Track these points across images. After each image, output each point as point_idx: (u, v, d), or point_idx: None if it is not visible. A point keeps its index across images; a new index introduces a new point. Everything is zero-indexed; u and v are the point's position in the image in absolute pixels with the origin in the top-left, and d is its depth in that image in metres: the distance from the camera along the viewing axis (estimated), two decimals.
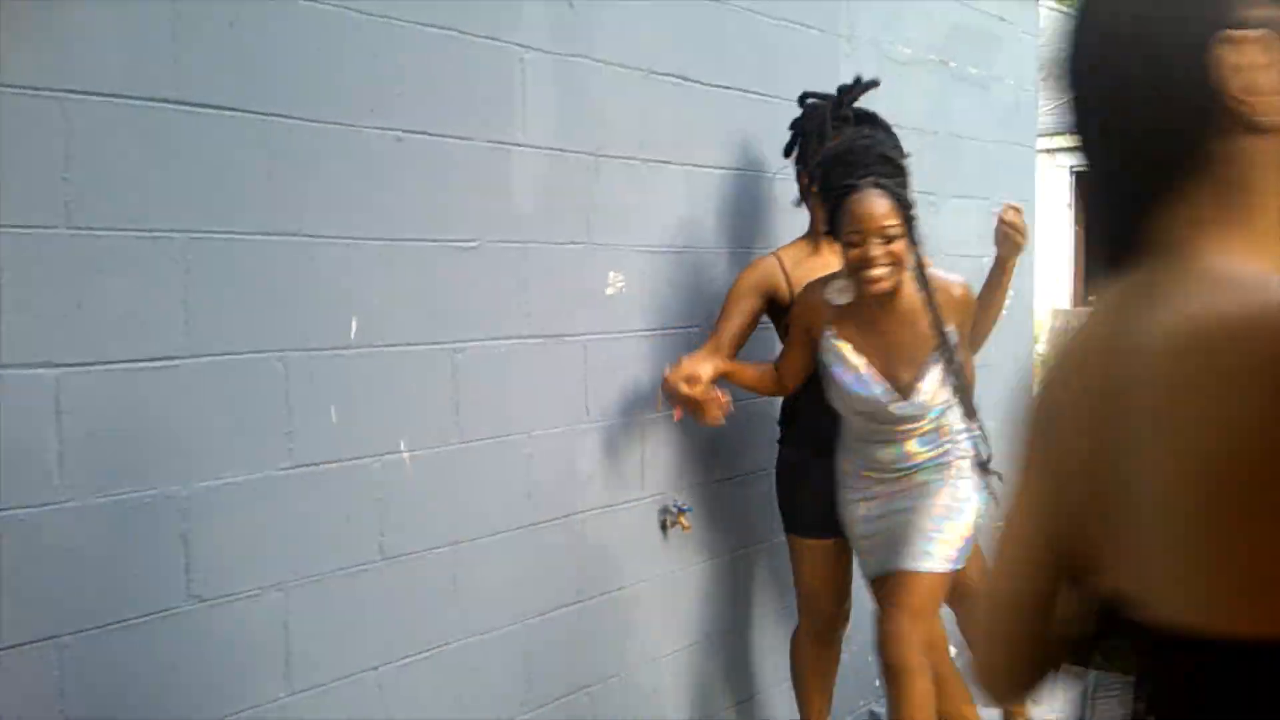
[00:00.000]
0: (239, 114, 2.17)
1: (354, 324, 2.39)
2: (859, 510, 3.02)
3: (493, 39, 2.60)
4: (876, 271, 2.74)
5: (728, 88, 3.27)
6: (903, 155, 2.87)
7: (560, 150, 2.78)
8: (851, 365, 2.87)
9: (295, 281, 2.29)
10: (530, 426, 2.75)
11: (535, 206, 2.73)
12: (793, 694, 3.33)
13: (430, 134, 2.49)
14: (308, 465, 2.33)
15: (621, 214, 2.98)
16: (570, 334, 2.85)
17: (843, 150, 2.79)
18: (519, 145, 2.68)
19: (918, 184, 4.06)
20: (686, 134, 3.17)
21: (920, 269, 2.83)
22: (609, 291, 2.94)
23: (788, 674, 3.35)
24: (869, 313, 2.86)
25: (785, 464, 3.25)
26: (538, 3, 2.73)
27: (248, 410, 2.23)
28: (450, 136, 2.52)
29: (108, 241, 2.00)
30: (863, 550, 3.08)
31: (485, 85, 2.60)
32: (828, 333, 2.89)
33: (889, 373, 2.86)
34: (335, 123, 2.33)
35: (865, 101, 3.22)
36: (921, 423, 2.89)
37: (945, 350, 2.82)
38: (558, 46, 2.78)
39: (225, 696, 2.22)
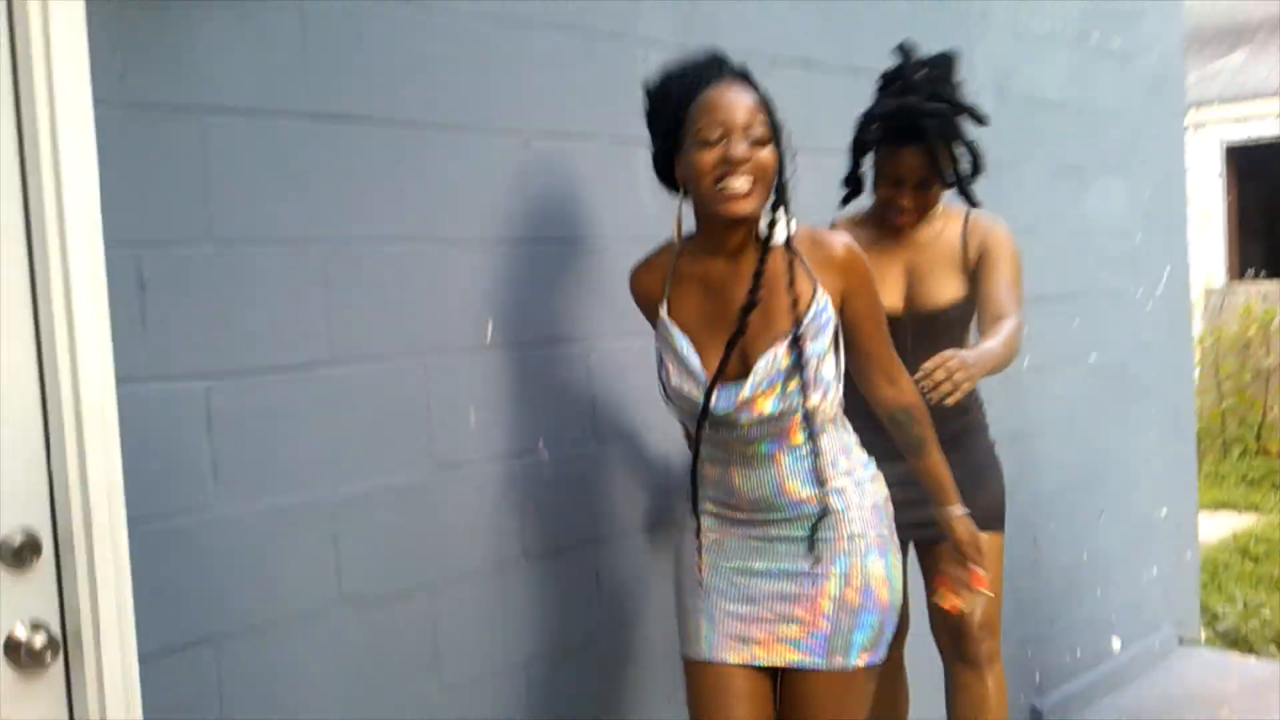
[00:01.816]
0: (370, 122, 2.21)
1: (490, 326, 2.40)
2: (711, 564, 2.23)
3: (614, 35, 2.59)
4: (738, 183, 1.98)
5: (856, 68, 3.20)
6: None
7: None
8: (676, 351, 2.13)
9: (431, 285, 2.31)
10: (666, 426, 2.73)
11: (663, 204, 2.70)
12: None
13: (557, 133, 2.49)
14: (449, 465, 2.36)
15: None
16: None
17: None
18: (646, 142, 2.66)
19: (1064, 160, 3.97)
20: (813, 120, 3.10)
21: (789, 216, 2.10)
22: None
23: None
24: (712, 268, 2.12)
25: None
26: None
27: (390, 413, 2.26)
28: (576, 135, 2.52)
29: (249, 254, 2.05)
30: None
31: (610, 81, 2.59)
32: (661, 314, 2.17)
33: (712, 354, 2.10)
34: (464, 127, 2.35)
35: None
36: (766, 428, 2.09)
37: (796, 337, 2.04)
38: (681, 38, 2.75)
39: (378, 695, 2.26)
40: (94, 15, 1.81)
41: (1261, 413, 8.74)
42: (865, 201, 2.78)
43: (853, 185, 2.70)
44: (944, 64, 2.60)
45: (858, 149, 2.65)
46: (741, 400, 2.06)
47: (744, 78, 2.09)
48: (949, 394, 2.28)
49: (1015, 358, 2.61)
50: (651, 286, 2.19)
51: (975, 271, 2.67)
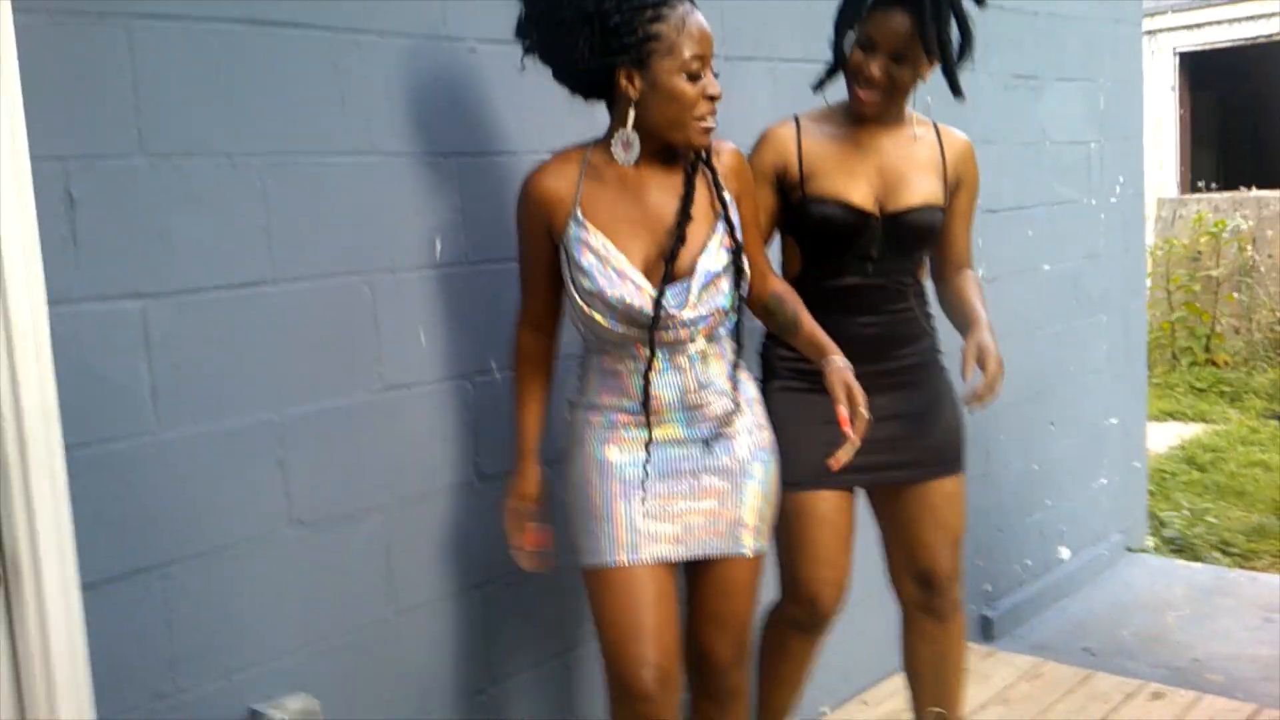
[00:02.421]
0: (307, 30, 2.11)
1: (438, 243, 2.34)
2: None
3: None
4: (712, 122, 2.06)
5: None
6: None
7: None
8: (602, 256, 2.08)
9: (376, 201, 2.24)
10: None
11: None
12: None
13: (501, 42, 2.40)
14: (400, 387, 2.31)
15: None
16: None
17: None
18: None
19: (1019, 67, 3.92)
20: (770, 26, 3.04)
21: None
22: None
23: None
24: (631, 178, 2.12)
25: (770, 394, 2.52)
26: None
27: (336, 334, 2.21)
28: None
29: (184, 168, 1.97)
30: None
31: None
32: (575, 217, 2.10)
33: (651, 258, 2.10)
34: (408, 34, 2.26)
35: None
36: (702, 325, 2.13)
37: (730, 226, 2.14)
38: None
39: (330, 619, 2.24)
40: None
41: (1210, 324, 8.84)
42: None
43: (835, 56, 2.47)
44: None
45: (842, 17, 2.43)
46: (689, 299, 2.09)
47: (694, 4, 2.07)
48: (990, 400, 2.37)
49: None
50: (560, 191, 2.10)
51: (952, 194, 2.54)
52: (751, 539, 2.25)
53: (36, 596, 1.82)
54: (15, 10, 1.71)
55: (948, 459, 2.61)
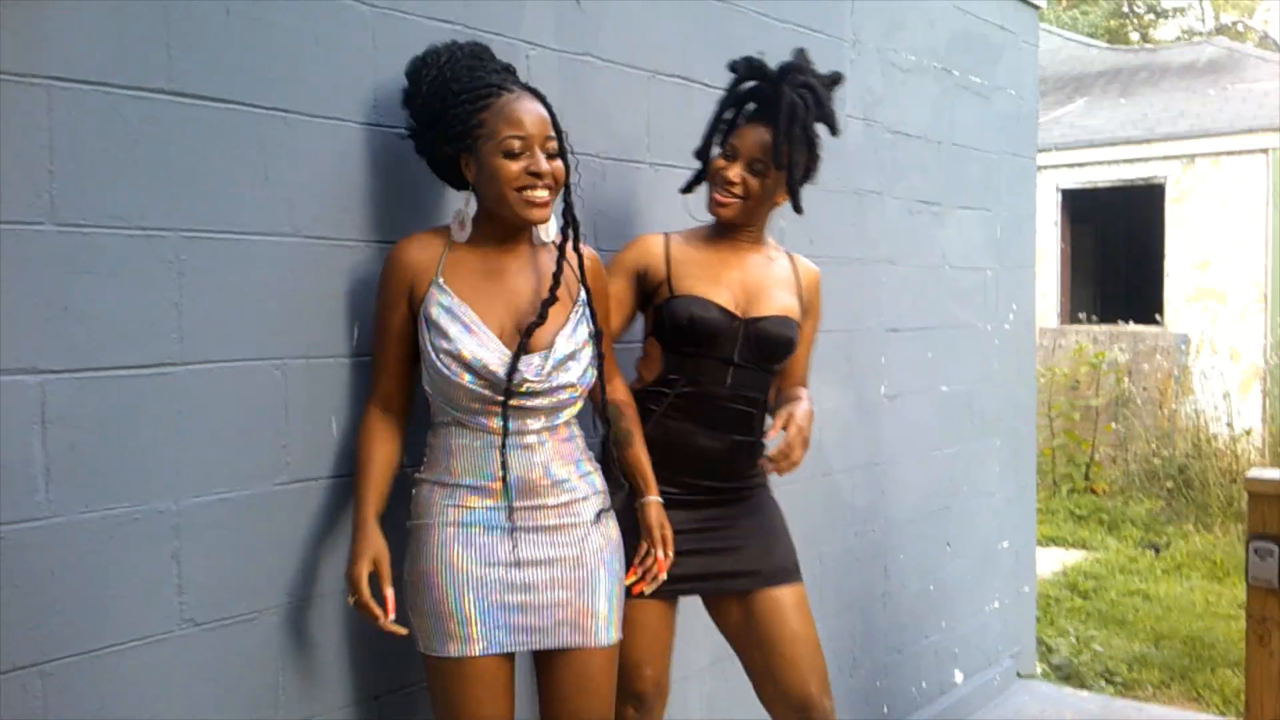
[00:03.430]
0: (234, 107, 2.06)
1: (355, 330, 2.27)
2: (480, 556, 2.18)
3: (499, 34, 2.50)
4: (541, 194, 2.12)
5: None
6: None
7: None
8: (461, 319, 2.13)
9: (295, 285, 2.17)
10: None
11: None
12: None
13: None
14: (306, 480, 2.21)
15: (626, 217, 2.88)
16: None
17: None
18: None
19: (923, 193, 4.04)
20: (692, 136, 3.07)
21: (574, 216, 2.23)
22: None
23: None
24: (491, 257, 2.21)
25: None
26: (545, 1, 2.63)
27: (243, 421, 2.11)
28: None
29: (96, 240, 1.88)
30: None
31: None
32: (437, 283, 2.15)
33: (506, 329, 2.17)
34: (334, 118, 2.22)
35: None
36: (554, 402, 2.18)
37: (590, 314, 2.24)
38: (563, 44, 2.68)
39: None
40: None
41: (1090, 451, 9.10)
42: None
43: (703, 156, 2.58)
44: (829, 77, 2.58)
45: (713, 125, 2.57)
46: (546, 370, 2.15)
47: (539, 95, 2.19)
48: (785, 469, 2.44)
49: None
50: (422, 261, 2.17)
51: (801, 319, 2.65)
52: (604, 630, 2.24)
53: None
54: None
55: (787, 568, 2.62)
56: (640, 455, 2.44)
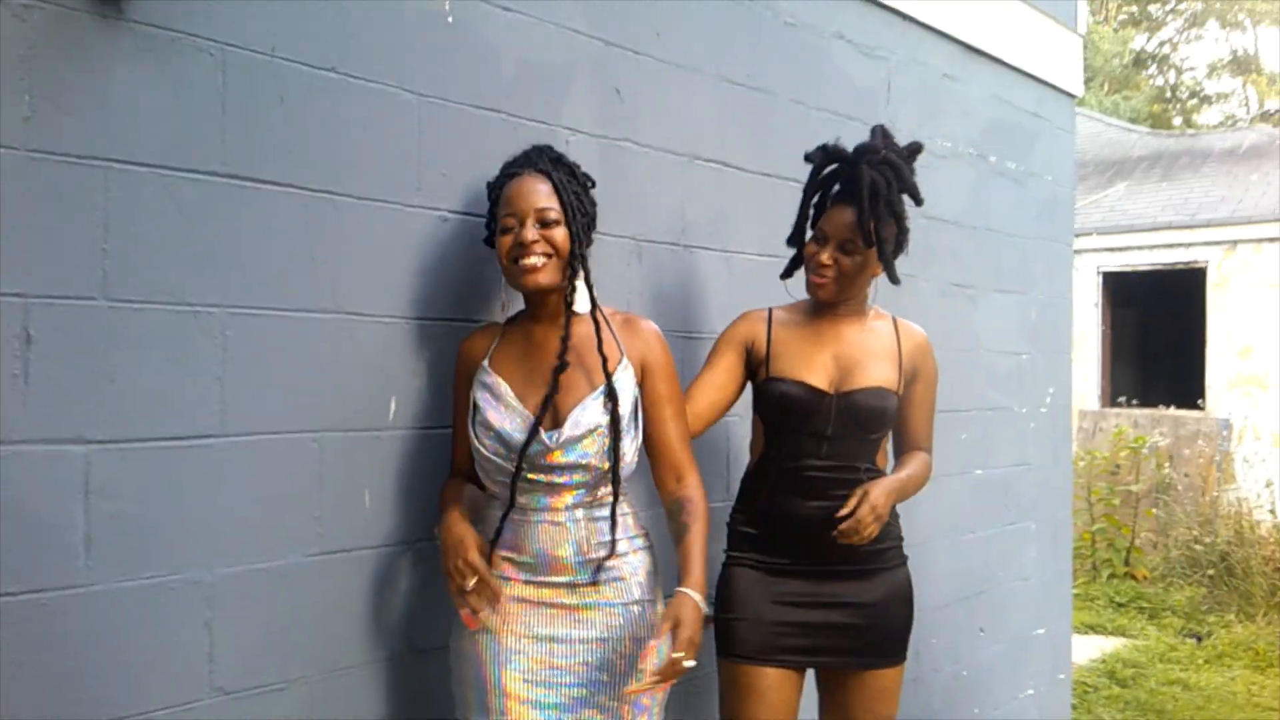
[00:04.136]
0: (285, 189, 2.13)
1: (393, 405, 2.32)
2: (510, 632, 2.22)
3: (541, 121, 2.57)
4: (530, 260, 2.19)
5: (768, 175, 3.24)
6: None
7: (601, 234, 2.72)
8: (495, 393, 2.24)
9: (334, 361, 2.23)
10: None
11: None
12: None
13: (473, 215, 2.44)
14: (338, 551, 2.25)
15: (661, 298, 2.93)
16: None
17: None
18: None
19: (958, 277, 4.07)
20: (727, 219, 3.13)
21: (589, 287, 2.28)
22: None
23: None
24: (532, 335, 2.30)
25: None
26: (585, 89, 2.71)
27: (278, 492, 2.16)
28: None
29: (145, 315, 1.95)
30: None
31: None
32: (482, 366, 2.28)
33: (530, 406, 2.22)
34: (380, 200, 2.29)
35: None
36: (577, 479, 2.21)
37: (610, 389, 2.22)
38: (603, 130, 2.75)
39: None
40: (4, 55, 1.72)
41: (1130, 537, 8.98)
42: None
43: (796, 243, 2.70)
44: (909, 148, 2.67)
45: (804, 204, 2.68)
46: (560, 440, 2.18)
47: (545, 171, 2.26)
48: (855, 540, 2.47)
49: (923, 488, 2.74)
50: (477, 348, 2.31)
51: (907, 385, 2.71)
52: (641, 717, 2.25)
53: None
54: None
55: (889, 651, 2.69)
56: (690, 547, 2.28)
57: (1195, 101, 26.94)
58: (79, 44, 1.85)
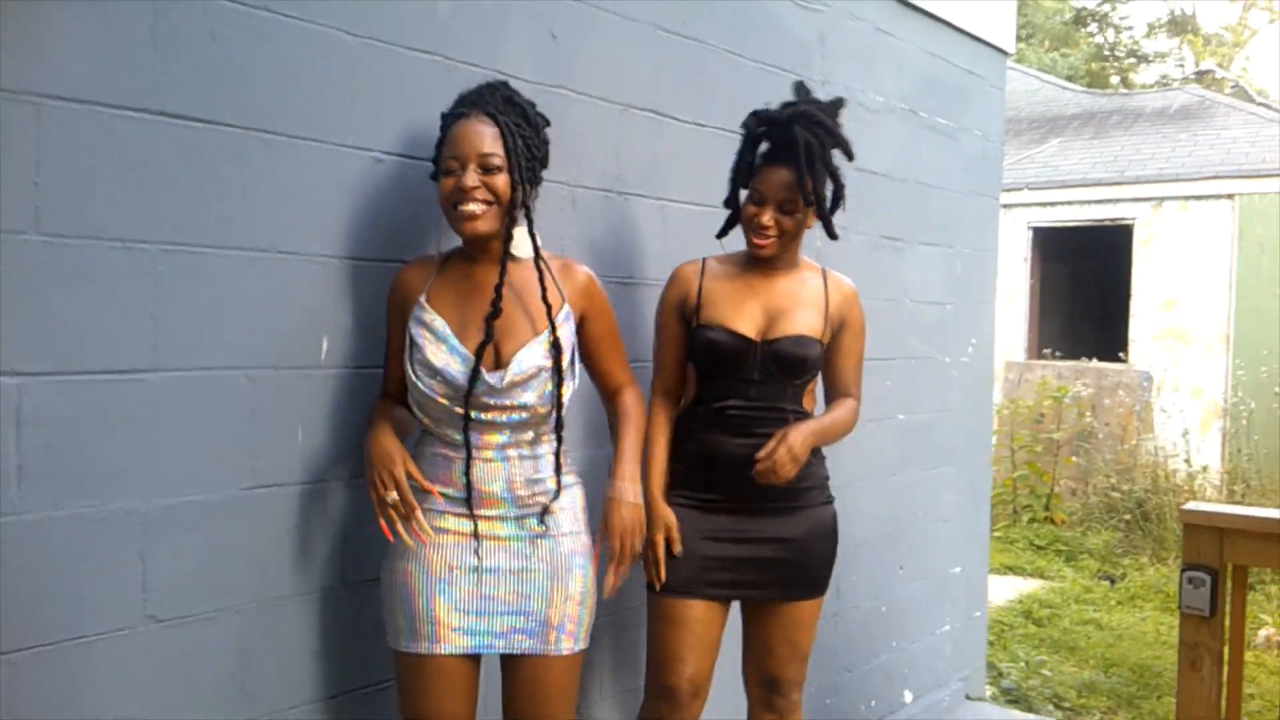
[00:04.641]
0: (217, 127, 2.15)
1: (324, 343, 2.36)
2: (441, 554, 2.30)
3: (476, 65, 2.60)
4: (469, 207, 2.23)
5: (702, 125, 3.29)
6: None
7: None
8: (435, 332, 2.27)
9: (267, 298, 2.26)
10: None
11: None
12: None
13: (409, 156, 2.48)
14: (271, 485, 2.30)
15: (594, 245, 2.98)
16: None
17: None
18: None
19: (887, 229, 4.16)
20: (661, 167, 3.18)
21: (532, 235, 2.32)
22: None
23: None
24: (469, 275, 2.34)
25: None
26: (521, 33, 2.74)
27: (212, 426, 2.20)
28: (425, 159, 2.50)
29: (78, 250, 1.97)
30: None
31: None
32: (419, 302, 2.31)
33: (471, 340, 2.27)
34: (314, 140, 2.31)
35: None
36: (517, 419, 2.28)
37: (554, 333, 2.29)
38: (539, 76, 2.79)
39: None
40: None
41: (1050, 483, 9.24)
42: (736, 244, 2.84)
43: (731, 208, 2.78)
44: (833, 104, 2.74)
45: (738, 169, 2.73)
46: (505, 384, 2.25)
47: (493, 114, 2.28)
48: (773, 479, 2.59)
49: (848, 434, 2.83)
50: (413, 282, 2.34)
51: (834, 336, 2.80)
52: (566, 641, 2.35)
53: None
54: None
55: (810, 584, 2.82)
56: (621, 445, 2.48)
57: (1133, 60, 27.25)
58: None
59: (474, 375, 2.23)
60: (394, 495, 2.21)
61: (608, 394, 2.56)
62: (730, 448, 2.69)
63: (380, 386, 2.42)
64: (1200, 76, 21.31)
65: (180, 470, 2.15)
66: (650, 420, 2.73)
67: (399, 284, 2.35)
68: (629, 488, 2.44)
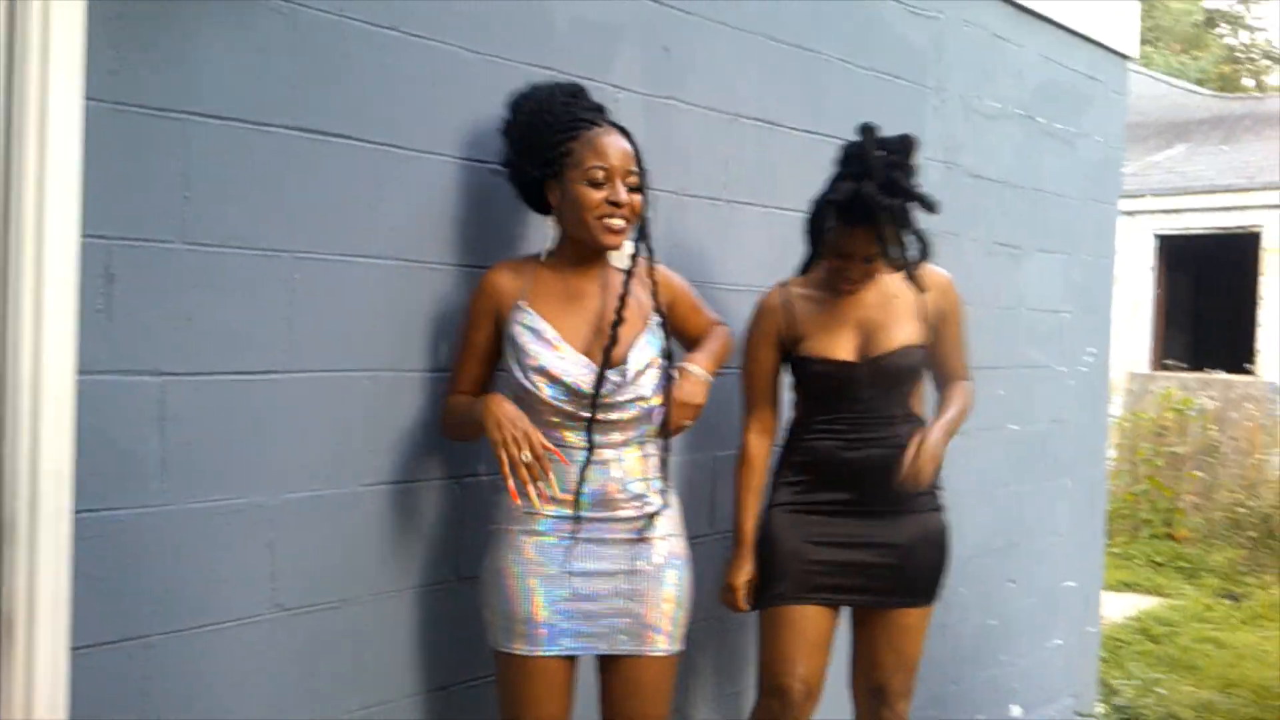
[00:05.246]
0: (350, 142, 2.27)
1: (443, 348, 2.45)
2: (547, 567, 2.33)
3: (590, 79, 2.67)
4: (617, 222, 2.30)
5: (814, 133, 3.32)
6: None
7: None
8: (545, 336, 2.30)
9: (395, 304, 2.37)
10: None
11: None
12: None
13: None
14: (391, 482, 2.40)
15: (702, 251, 3.03)
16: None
17: None
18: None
19: (1003, 236, 4.13)
20: (770, 176, 3.22)
21: (649, 249, 2.40)
22: None
23: None
24: (571, 280, 2.38)
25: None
26: (634, 47, 2.81)
27: (337, 425, 2.31)
28: None
29: (219, 258, 2.09)
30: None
31: None
32: (519, 305, 2.34)
33: (589, 346, 2.33)
34: (436, 153, 2.41)
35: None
36: (632, 416, 2.33)
37: (664, 329, 2.38)
38: (650, 89, 2.85)
39: (302, 706, 2.28)
40: (93, 12, 1.86)
41: (1172, 499, 9.00)
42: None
43: (810, 260, 2.77)
44: (903, 149, 2.64)
45: (813, 229, 2.70)
46: (629, 378, 2.30)
47: (624, 130, 2.36)
48: (918, 485, 2.62)
49: (972, 412, 2.86)
50: (509, 285, 2.36)
51: (936, 327, 2.80)
52: (663, 641, 2.39)
53: (27, 656, 1.87)
54: (86, 98, 1.85)
55: (918, 591, 2.82)
56: (707, 349, 2.50)
57: (1267, 63, 26.31)
58: (163, 4, 1.99)
59: (599, 380, 2.28)
60: (528, 454, 2.20)
61: (696, 340, 2.55)
62: (838, 455, 2.73)
63: (450, 386, 2.40)
64: None
65: (307, 466, 2.27)
66: (743, 461, 2.81)
67: (492, 286, 2.35)
68: (702, 363, 2.45)
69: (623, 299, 2.33)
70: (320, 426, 2.28)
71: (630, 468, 2.36)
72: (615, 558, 2.36)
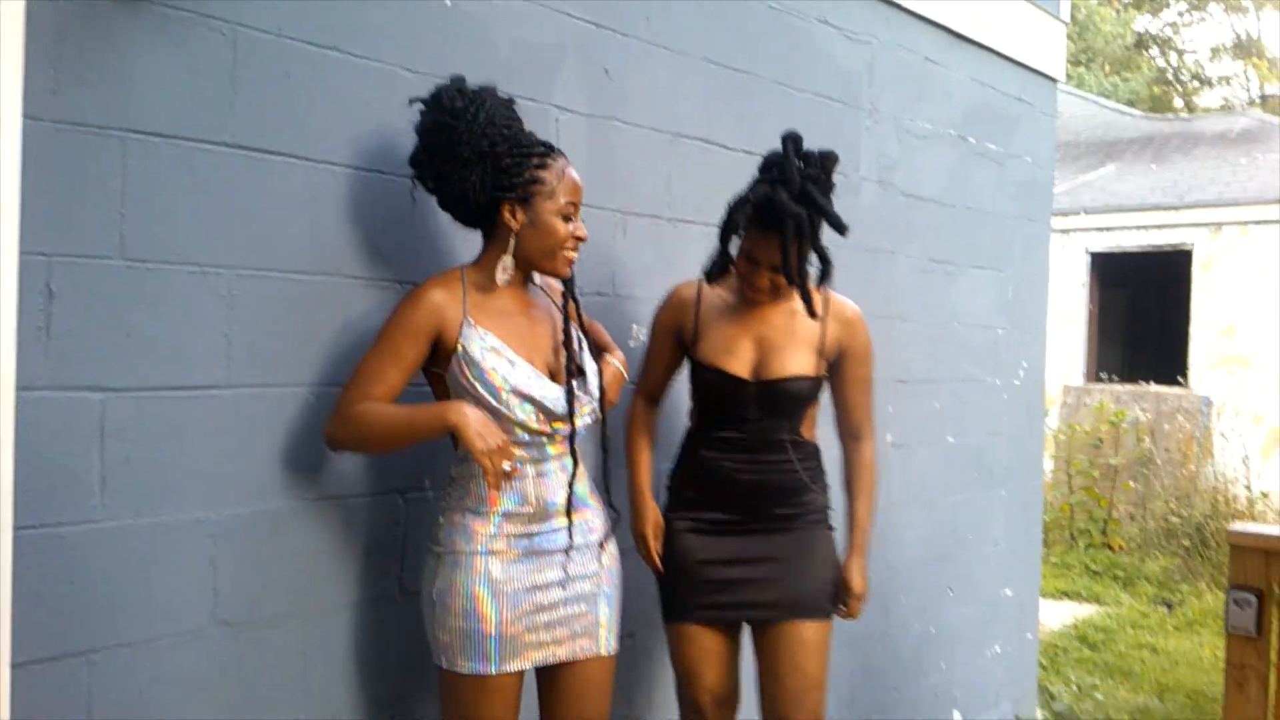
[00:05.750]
0: (287, 159, 2.29)
1: None
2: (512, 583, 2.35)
3: (533, 99, 2.71)
4: (575, 253, 2.41)
5: (751, 152, 3.38)
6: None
7: (588, 206, 2.87)
8: (505, 355, 2.31)
9: (333, 320, 2.39)
10: None
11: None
12: None
13: None
14: (333, 497, 2.42)
15: (644, 268, 3.08)
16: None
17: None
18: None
19: (936, 253, 4.23)
20: (710, 195, 3.27)
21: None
22: (631, 344, 3.03)
23: None
24: (509, 299, 2.40)
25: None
26: (575, 70, 2.86)
27: (279, 440, 2.32)
28: None
29: (158, 274, 2.11)
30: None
31: None
32: (469, 324, 2.31)
33: (547, 363, 2.40)
34: (375, 170, 2.44)
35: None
36: (589, 425, 2.45)
37: (593, 351, 2.54)
38: (592, 109, 2.90)
39: None
40: (32, 31, 1.87)
41: (1108, 509, 9.17)
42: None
43: (719, 262, 2.77)
44: (822, 164, 2.66)
45: (726, 229, 2.72)
46: (589, 394, 2.42)
47: (566, 158, 2.42)
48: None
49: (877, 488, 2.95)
50: (445, 301, 2.30)
51: (835, 364, 2.84)
52: (614, 640, 2.50)
53: None
54: (25, 116, 1.87)
55: (809, 605, 2.80)
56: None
57: (1196, 84, 26.95)
58: (102, 23, 2.01)
59: (570, 398, 2.36)
60: (508, 465, 2.23)
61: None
62: (730, 478, 2.77)
63: (357, 393, 2.25)
64: (1265, 100, 21.04)
65: (249, 481, 2.28)
66: (634, 423, 2.87)
67: (432, 303, 2.28)
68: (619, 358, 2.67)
69: (579, 317, 2.45)
70: (261, 441, 2.29)
71: (581, 476, 2.45)
72: (571, 564, 2.42)
